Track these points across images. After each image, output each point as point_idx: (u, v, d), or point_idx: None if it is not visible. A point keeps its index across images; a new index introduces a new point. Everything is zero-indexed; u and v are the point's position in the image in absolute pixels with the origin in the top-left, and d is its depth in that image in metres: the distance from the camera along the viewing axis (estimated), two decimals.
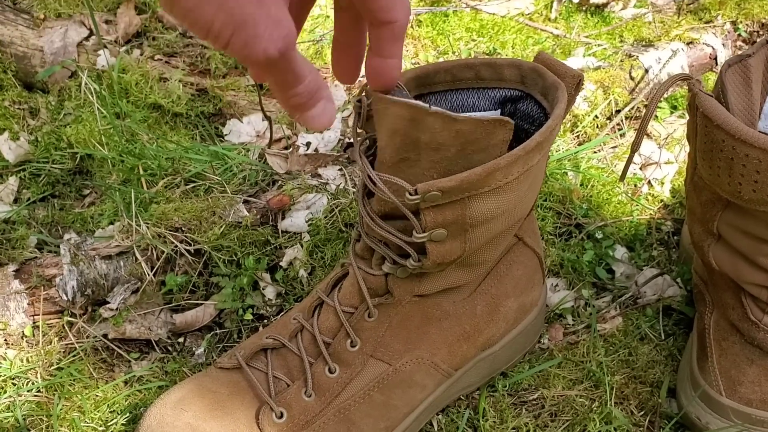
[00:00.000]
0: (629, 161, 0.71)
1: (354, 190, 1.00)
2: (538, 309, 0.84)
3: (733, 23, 1.38)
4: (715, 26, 1.32)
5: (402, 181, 0.63)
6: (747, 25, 1.41)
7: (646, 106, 1.16)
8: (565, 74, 0.69)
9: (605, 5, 1.44)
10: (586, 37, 1.35)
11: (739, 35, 1.38)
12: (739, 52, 0.78)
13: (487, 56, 1.32)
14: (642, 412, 0.81)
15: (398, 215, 0.67)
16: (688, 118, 0.72)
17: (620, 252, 0.98)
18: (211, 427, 0.70)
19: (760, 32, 1.41)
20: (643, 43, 1.28)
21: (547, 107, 0.69)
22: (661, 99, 1.22)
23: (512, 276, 0.79)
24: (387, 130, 0.64)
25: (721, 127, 0.64)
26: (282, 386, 0.73)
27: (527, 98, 0.71)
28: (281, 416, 0.71)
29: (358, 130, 0.68)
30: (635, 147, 0.68)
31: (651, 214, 1.04)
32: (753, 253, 0.71)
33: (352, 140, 1.12)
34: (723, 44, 1.27)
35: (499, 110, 0.73)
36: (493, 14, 1.40)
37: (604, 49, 1.29)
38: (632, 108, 1.17)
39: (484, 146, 0.63)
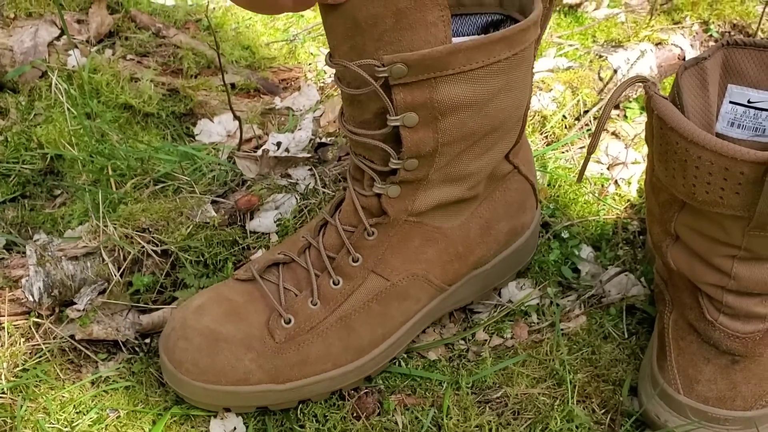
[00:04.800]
0: (585, 163, 0.72)
1: (323, 190, 1.00)
2: (530, 231, 0.90)
3: (705, 23, 1.40)
4: (683, 27, 1.33)
5: (369, 60, 0.67)
6: (719, 25, 1.42)
7: (601, 109, 1.17)
8: None
9: (578, 5, 1.45)
10: (559, 37, 1.36)
11: (711, 36, 1.39)
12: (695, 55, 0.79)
13: None
14: (604, 410, 0.82)
15: (371, 123, 0.72)
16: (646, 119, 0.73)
17: (586, 251, 0.99)
18: (227, 330, 0.79)
19: (732, 33, 1.42)
20: (613, 43, 1.29)
21: None
22: (630, 100, 1.23)
23: (505, 201, 0.85)
24: (329, 16, 0.68)
25: (675, 129, 0.65)
26: (291, 296, 0.81)
27: (508, 20, 0.77)
28: (289, 322, 0.79)
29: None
30: (591, 149, 0.69)
31: (617, 213, 1.05)
32: (708, 253, 0.72)
33: (323, 140, 1.13)
34: (691, 45, 1.28)
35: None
36: None
37: (576, 49, 1.30)
38: (600, 108, 1.18)
39: (420, 21, 0.66)
